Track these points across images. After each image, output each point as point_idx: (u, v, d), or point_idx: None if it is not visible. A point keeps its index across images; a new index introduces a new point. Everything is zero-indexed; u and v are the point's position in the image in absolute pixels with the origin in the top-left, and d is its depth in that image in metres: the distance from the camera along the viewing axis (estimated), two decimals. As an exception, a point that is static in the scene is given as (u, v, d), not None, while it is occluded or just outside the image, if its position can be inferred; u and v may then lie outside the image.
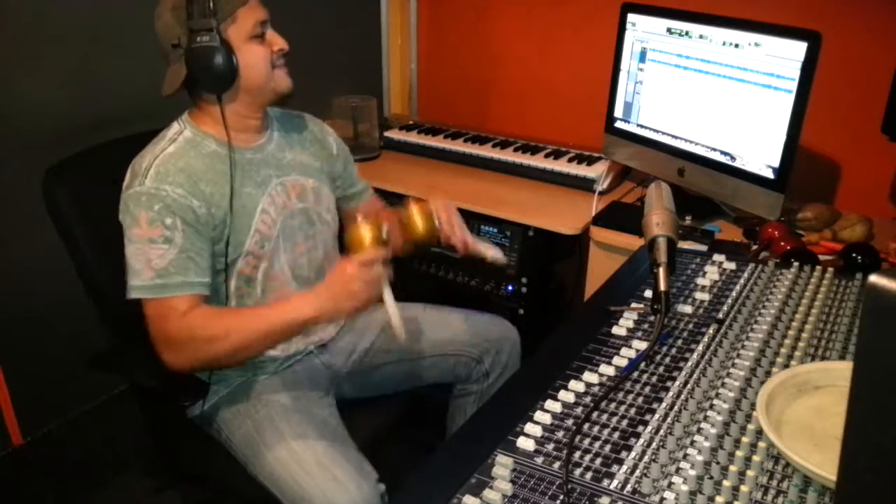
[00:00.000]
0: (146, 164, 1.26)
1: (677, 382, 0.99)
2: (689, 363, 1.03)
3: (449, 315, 1.65)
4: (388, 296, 1.23)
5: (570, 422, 0.92)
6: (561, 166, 2.09)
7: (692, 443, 0.87)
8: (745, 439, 0.86)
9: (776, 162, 1.60)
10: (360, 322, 1.60)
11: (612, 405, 0.95)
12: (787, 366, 0.99)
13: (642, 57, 1.88)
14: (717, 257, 1.33)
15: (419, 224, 1.40)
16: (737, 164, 1.69)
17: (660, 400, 0.95)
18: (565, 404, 0.95)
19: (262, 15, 1.31)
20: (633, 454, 0.86)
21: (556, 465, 0.85)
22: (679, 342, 1.08)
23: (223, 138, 1.32)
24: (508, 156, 2.18)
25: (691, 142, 1.80)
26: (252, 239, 1.33)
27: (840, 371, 0.95)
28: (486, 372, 1.60)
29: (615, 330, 1.12)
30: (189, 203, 1.25)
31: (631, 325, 1.13)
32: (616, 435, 0.90)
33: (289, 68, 1.37)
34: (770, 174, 1.62)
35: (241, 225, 1.32)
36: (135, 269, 1.23)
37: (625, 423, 0.92)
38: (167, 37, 1.28)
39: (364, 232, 1.26)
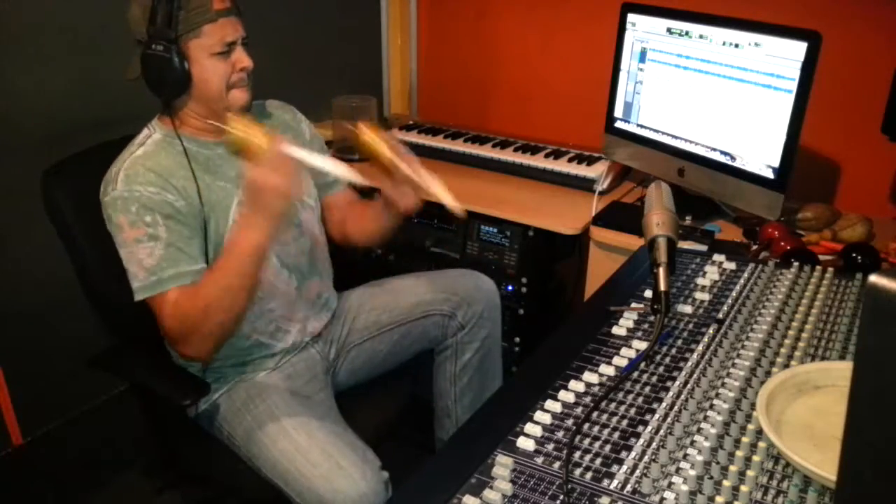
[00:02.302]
0: (115, 170, 1.28)
1: (677, 382, 0.99)
2: (689, 363, 1.03)
3: (418, 279, 1.67)
4: (316, 160, 1.19)
5: (570, 422, 0.92)
6: (561, 166, 2.09)
7: (692, 443, 0.87)
8: (745, 439, 0.86)
9: (776, 162, 1.60)
10: (339, 310, 1.62)
11: (612, 405, 0.95)
12: (787, 366, 0.99)
13: (642, 57, 1.88)
14: (717, 257, 1.33)
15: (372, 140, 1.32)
16: (737, 164, 1.69)
17: (660, 400, 0.95)
18: (565, 404, 0.95)
19: (231, 35, 1.31)
20: (633, 454, 0.86)
21: (556, 465, 0.85)
22: (679, 342, 1.08)
23: (193, 135, 1.35)
24: (508, 156, 2.18)
25: (691, 142, 1.80)
26: (231, 232, 1.34)
27: (840, 371, 0.95)
28: (461, 324, 1.61)
29: (615, 330, 1.12)
30: (164, 198, 1.26)
31: (631, 325, 1.13)
32: (616, 435, 0.90)
33: (251, 84, 1.37)
34: (770, 174, 1.62)
35: (220, 219, 1.33)
36: (131, 272, 1.26)
37: (625, 423, 0.92)
38: (133, 29, 1.31)
39: (242, 134, 1.19)
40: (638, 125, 1.93)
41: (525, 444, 0.88)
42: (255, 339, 1.41)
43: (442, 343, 1.64)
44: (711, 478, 0.80)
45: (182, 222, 1.28)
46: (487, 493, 0.80)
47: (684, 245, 1.50)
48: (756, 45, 1.60)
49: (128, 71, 1.33)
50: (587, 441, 0.89)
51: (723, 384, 0.97)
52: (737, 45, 1.64)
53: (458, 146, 2.26)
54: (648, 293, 1.22)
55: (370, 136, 1.31)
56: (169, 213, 1.26)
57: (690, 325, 1.13)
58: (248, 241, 1.20)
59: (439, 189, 1.33)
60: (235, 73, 1.33)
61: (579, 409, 0.95)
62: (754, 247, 1.62)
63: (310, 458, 1.25)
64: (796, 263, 1.28)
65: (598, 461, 0.85)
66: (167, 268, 1.24)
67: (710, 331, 1.11)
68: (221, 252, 1.30)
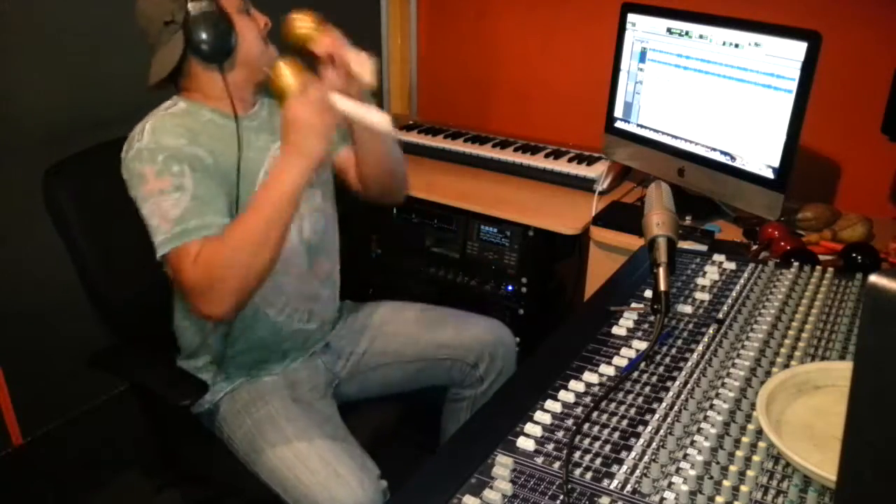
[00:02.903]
0: (139, 127, 1.26)
1: (677, 382, 0.99)
2: (689, 363, 1.03)
3: (445, 318, 1.64)
4: (346, 105, 1.16)
5: (570, 422, 0.92)
6: (561, 166, 2.09)
7: (692, 443, 0.87)
8: (745, 439, 0.86)
9: (776, 162, 1.60)
10: (356, 325, 1.61)
11: (612, 405, 0.95)
12: (787, 366, 0.99)
13: (642, 57, 1.88)
14: (717, 257, 1.33)
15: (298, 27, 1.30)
16: (737, 164, 1.69)
17: (660, 400, 0.95)
18: (565, 404, 0.95)
19: None
20: (633, 454, 0.86)
21: (556, 465, 0.85)
22: (679, 342, 1.08)
23: (218, 107, 1.32)
24: (508, 156, 2.18)
25: (691, 142, 1.80)
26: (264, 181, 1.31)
27: (840, 371, 0.95)
28: (481, 377, 1.59)
29: (615, 330, 1.12)
30: (194, 151, 1.24)
31: (631, 325, 1.13)
32: (616, 435, 0.90)
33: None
34: (770, 174, 1.62)
35: (246, 188, 1.30)
36: (154, 225, 1.20)
37: (625, 423, 0.92)
38: (157, 14, 1.26)
39: (287, 74, 1.19)
40: (638, 125, 1.93)
41: (525, 444, 0.88)
42: (264, 313, 1.38)
43: (459, 391, 1.63)
44: (711, 478, 0.80)
45: (210, 177, 1.24)
46: (487, 493, 0.80)
47: (684, 245, 1.50)
48: (756, 45, 1.60)
49: (152, 73, 1.30)
50: (587, 441, 0.89)
51: (723, 384, 0.97)
52: (737, 45, 1.64)
53: (458, 146, 2.26)
54: (648, 293, 1.22)
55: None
56: (197, 166, 1.22)
57: (690, 325, 1.13)
58: (283, 183, 1.15)
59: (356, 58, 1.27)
60: (261, 29, 1.34)
61: (579, 409, 0.95)
62: (754, 247, 1.62)
63: (308, 466, 1.25)
64: (796, 263, 1.28)
65: (598, 461, 0.85)
66: (191, 218, 1.19)
67: (710, 331, 1.11)
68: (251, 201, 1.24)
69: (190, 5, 1.24)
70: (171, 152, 1.22)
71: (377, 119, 1.16)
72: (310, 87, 1.16)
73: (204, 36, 1.25)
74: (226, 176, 1.28)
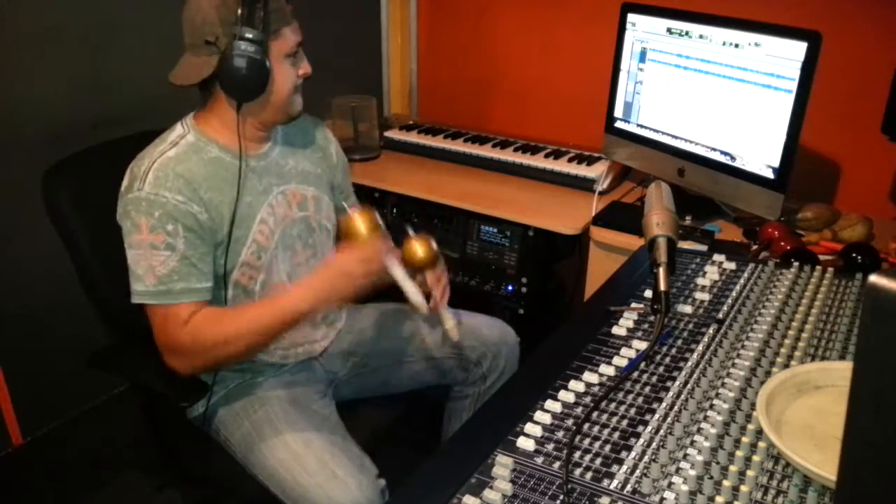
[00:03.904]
0: (145, 167, 1.24)
1: (677, 382, 0.99)
2: (689, 363, 1.03)
3: None
4: (400, 277, 1.22)
5: (570, 422, 0.92)
6: (561, 166, 2.09)
7: (692, 443, 0.87)
8: (745, 439, 0.86)
9: (776, 162, 1.60)
10: (357, 325, 1.60)
11: (612, 405, 0.95)
12: (787, 366, 0.99)
13: (642, 57, 1.88)
14: (717, 257, 1.33)
15: (420, 251, 1.42)
16: (737, 164, 1.69)
17: (660, 400, 0.95)
18: (565, 404, 0.95)
19: (300, 37, 1.31)
20: (633, 454, 0.86)
21: (556, 465, 0.85)
22: (679, 342, 1.08)
23: (228, 144, 1.31)
24: (508, 156, 2.18)
25: (691, 142, 1.80)
26: (248, 249, 1.33)
27: (840, 371, 0.95)
28: (484, 375, 1.59)
29: (615, 330, 1.12)
30: (189, 209, 1.23)
31: (631, 325, 1.13)
32: (616, 435, 0.90)
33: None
34: (770, 174, 1.62)
35: (239, 234, 1.31)
36: (137, 274, 1.23)
37: (625, 423, 0.92)
38: (202, 31, 1.23)
39: (359, 222, 1.25)
40: (638, 125, 1.93)
41: (525, 444, 0.88)
42: (258, 357, 1.40)
43: (462, 389, 1.62)
44: (711, 478, 0.80)
45: (201, 237, 1.25)
46: (487, 493, 0.80)
47: (684, 245, 1.50)
48: (756, 45, 1.60)
49: (178, 75, 1.27)
50: (587, 441, 0.89)
51: (723, 384, 0.97)
52: (737, 45, 1.64)
53: (458, 146, 2.27)
54: (648, 293, 1.22)
55: (415, 248, 1.40)
56: (191, 225, 1.23)
57: (690, 325, 1.13)
58: (296, 307, 1.21)
59: (447, 319, 1.43)
60: (298, 78, 1.32)
61: (579, 409, 0.95)
62: (754, 247, 1.62)
63: (306, 467, 1.25)
64: (796, 263, 1.28)
65: (598, 461, 0.85)
66: (178, 281, 1.22)
67: (710, 331, 1.11)
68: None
69: (237, 42, 1.20)
70: (168, 210, 1.22)
71: (417, 301, 1.27)
72: (373, 243, 1.22)
73: (235, 77, 1.22)
74: (220, 223, 1.28)
